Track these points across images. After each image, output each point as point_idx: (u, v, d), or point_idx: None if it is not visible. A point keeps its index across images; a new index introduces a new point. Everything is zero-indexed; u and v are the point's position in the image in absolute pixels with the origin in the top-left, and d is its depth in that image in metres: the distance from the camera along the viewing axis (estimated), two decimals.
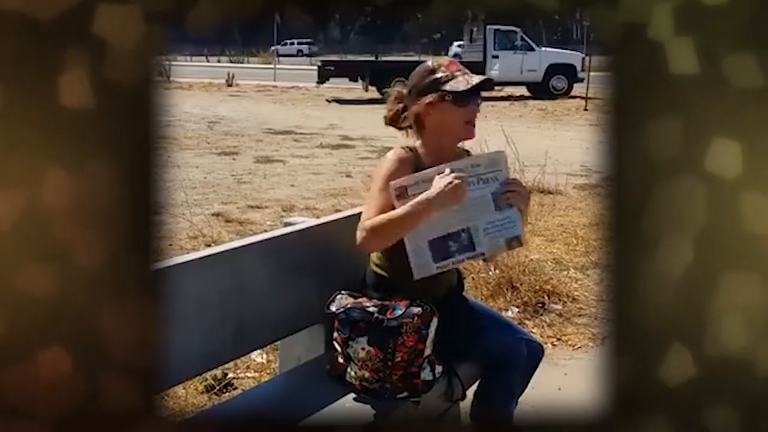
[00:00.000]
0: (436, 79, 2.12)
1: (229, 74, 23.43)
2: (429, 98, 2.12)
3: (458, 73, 2.12)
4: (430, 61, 2.20)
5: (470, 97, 2.11)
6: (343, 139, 11.50)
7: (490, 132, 4.04)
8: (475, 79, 2.11)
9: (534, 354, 2.26)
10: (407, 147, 2.17)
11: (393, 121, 2.24)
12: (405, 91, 2.22)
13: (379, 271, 2.19)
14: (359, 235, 2.02)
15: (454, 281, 2.33)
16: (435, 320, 2.01)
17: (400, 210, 1.99)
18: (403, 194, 2.00)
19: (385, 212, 2.00)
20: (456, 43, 36.55)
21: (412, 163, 2.10)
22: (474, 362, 2.21)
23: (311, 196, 7.04)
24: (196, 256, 2.05)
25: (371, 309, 2.00)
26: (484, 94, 2.21)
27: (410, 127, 2.21)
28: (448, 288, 2.27)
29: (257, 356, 3.19)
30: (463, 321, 2.21)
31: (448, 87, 2.10)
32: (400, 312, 1.98)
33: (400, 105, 2.22)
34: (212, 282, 1.99)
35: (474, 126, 2.15)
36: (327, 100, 19.35)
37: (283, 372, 2.51)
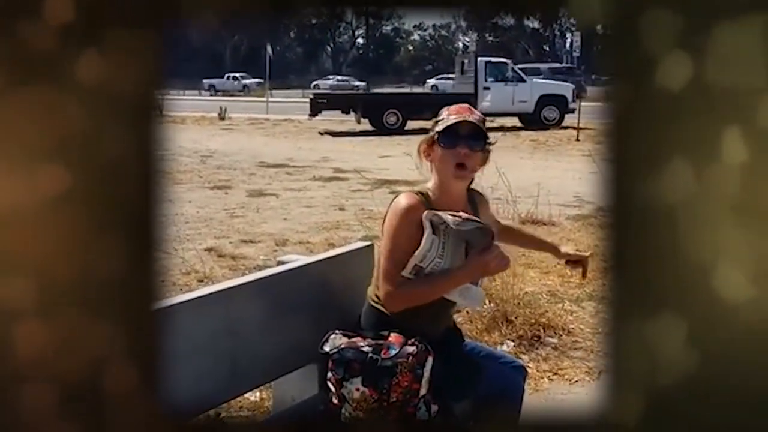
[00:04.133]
0: (437, 121, 2.17)
1: (221, 108, 23.52)
2: (426, 138, 2.18)
3: (453, 116, 2.14)
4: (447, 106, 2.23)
5: (457, 139, 2.11)
6: (336, 171, 11.53)
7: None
8: (452, 119, 2.13)
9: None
10: (417, 191, 2.16)
11: None
12: None
13: (377, 307, 2.17)
14: (387, 296, 2.08)
15: (452, 322, 2.35)
16: (430, 359, 1.99)
17: (437, 283, 2.07)
18: (420, 272, 2.06)
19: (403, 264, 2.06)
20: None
21: (423, 206, 2.09)
22: (471, 400, 2.19)
23: (304, 230, 7.02)
24: (188, 297, 2.03)
25: (365, 349, 1.98)
26: None
27: None
28: (446, 328, 2.28)
29: (250, 395, 3.16)
30: (460, 360, 2.20)
31: (436, 128, 2.15)
32: (394, 351, 1.96)
33: None
34: (205, 323, 1.97)
35: (464, 168, 2.13)
36: (319, 133, 19.42)
37: (277, 412, 2.48)
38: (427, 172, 2.23)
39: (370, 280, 2.25)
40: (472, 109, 2.21)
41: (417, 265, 2.05)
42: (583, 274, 2.50)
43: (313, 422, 2.08)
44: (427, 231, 2.04)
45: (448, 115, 2.15)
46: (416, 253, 2.04)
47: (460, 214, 2.07)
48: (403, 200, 2.10)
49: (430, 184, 2.19)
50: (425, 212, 2.05)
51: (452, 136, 2.11)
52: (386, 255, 2.09)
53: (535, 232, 2.55)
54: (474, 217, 2.11)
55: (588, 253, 2.52)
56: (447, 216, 2.04)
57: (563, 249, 2.53)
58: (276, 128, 20.81)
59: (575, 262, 2.51)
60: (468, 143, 2.12)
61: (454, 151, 2.12)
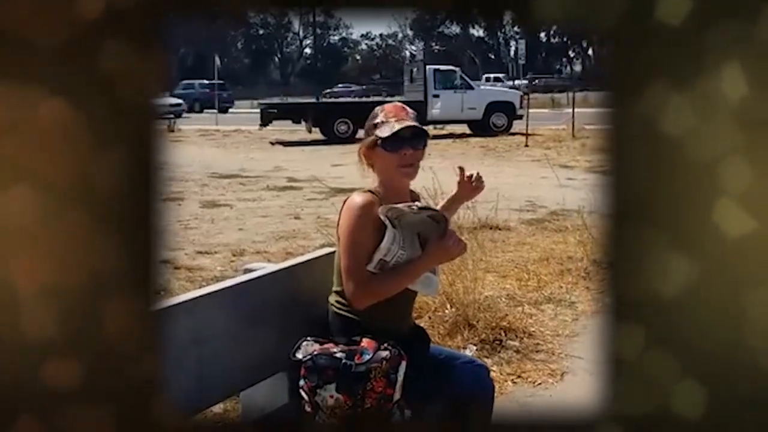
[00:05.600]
0: (375, 123, 2.19)
1: (170, 119, 23.17)
2: (366, 142, 2.20)
3: (392, 119, 2.17)
4: (380, 106, 2.25)
5: (401, 143, 2.15)
6: (290, 180, 11.46)
7: (437, 170, 4.06)
8: (397, 125, 2.15)
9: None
10: (368, 189, 2.19)
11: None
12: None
13: (343, 312, 2.17)
14: (354, 293, 2.08)
15: (412, 319, 2.38)
16: (403, 364, 1.99)
17: (402, 274, 2.10)
18: (385, 266, 2.09)
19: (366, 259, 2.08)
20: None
21: (377, 204, 2.12)
22: (443, 403, 2.19)
23: (261, 240, 6.96)
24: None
25: (339, 355, 1.97)
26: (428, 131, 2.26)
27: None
28: (411, 327, 2.30)
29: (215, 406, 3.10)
30: (429, 363, 2.21)
31: (377, 132, 2.17)
32: (368, 357, 1.95)
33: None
34: (170, 335, 1.93)
35: (410, 169, 2.18)
36: (271, 143, 19.30)
37: (247, 422, 2.44)
38: (367, 174, 2.27)
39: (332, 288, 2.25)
40: (406, 107, 2.24)
41: (382, 260, 2.08)
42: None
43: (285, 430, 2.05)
44: (388, 225, 2.08)
45: (386, 117, 2.17)
46: (380, 247, 2.07)
47: (415, 203, 2.11)
48: (358, 199, 2.13)
49: (374, 185, 2.22)
50: (380, 208, 2.08)
51: (396, 140, 2.15)
52: (348, 253, 2.10)
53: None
54: (428, 205, 2.17)
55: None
56: (403, 207, 2.08)
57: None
58: (226, 139, 20.62)
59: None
60: (411, 144, 2.17)
61: (399, 154, 2.16)
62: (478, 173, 2.37)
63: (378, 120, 2.19)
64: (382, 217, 2.07)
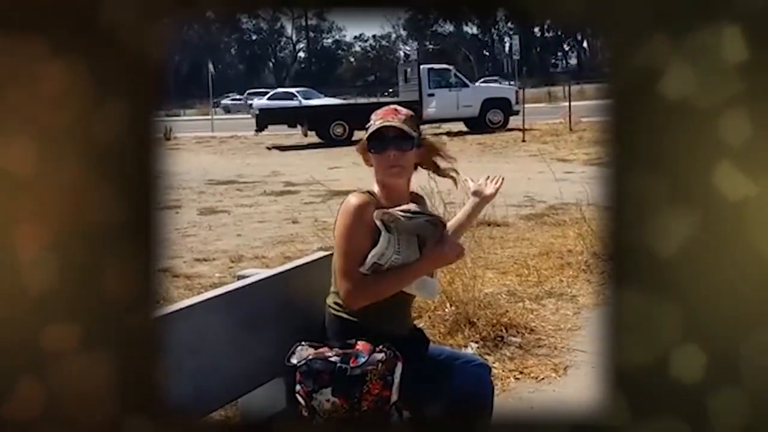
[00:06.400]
0: (367, 126, 2.20)
1: (166, 128, 23.13)
2: (360, 144, 2.21)
3: (379, 120, 2.16)
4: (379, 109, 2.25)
5: (386, 144, 2.14)
6: (287, 185, 11.45)
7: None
8: (377, 124, 2.15)
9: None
10: (366, 190, 2.17)
11: None
12: None
13: (341, 314, 2.15)
14: (348, 293, 2.07)
15: (412, 322, 2.35)
16: (399, 365, 1.97)
17: (397, 277, 2.08)
18: (378, 269, 2.07)
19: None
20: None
21: (373, 205, 2.10)
22: (442, 403, 2.17)
23: (259, 245, 6.94)
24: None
25: (333, 359, 1.95)
26: (424, 131, 2.26)
27: None
28: (411, 329, 2.27)
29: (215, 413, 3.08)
30: (428, 363, 2.19)
31: (366, 135, 2.18)
32: (363, 360, 1.93)
33: None
34: (168, 343, 1.91)
35: (396, 169, 2.16)
36: (267, 148, 19.30)
37: (245, 428, 2.42)
38: (363, 176, 2.28)
39: (330, 289, 2.23)
40: (398, 109, 2.22)
41: (376, 263, 2.06)
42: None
43: None
44: (383, 230, 2.06)
45: (375, 119, 2.18)
46: (374, 251, 2.05)
47: (409, 206, 2.10)
48: (353, 200, 2.11)
49: (374, 186, 2.21)
50: (375, 212, 2.06)
51: (381, 140, 2.15)
52: (342, 254, 2.09)
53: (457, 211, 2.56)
54: (422, 209, 2.16)
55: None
56: (397, 212, 2.06)
57: (471, 189, 2.50)
58: (223, 145, 20.62)
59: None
60: (396, 145, 2.15)
61: (385, 155, 2.15)
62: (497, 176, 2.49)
63: (370, 122, 2.19)
64: (377, 222, 2.06)
